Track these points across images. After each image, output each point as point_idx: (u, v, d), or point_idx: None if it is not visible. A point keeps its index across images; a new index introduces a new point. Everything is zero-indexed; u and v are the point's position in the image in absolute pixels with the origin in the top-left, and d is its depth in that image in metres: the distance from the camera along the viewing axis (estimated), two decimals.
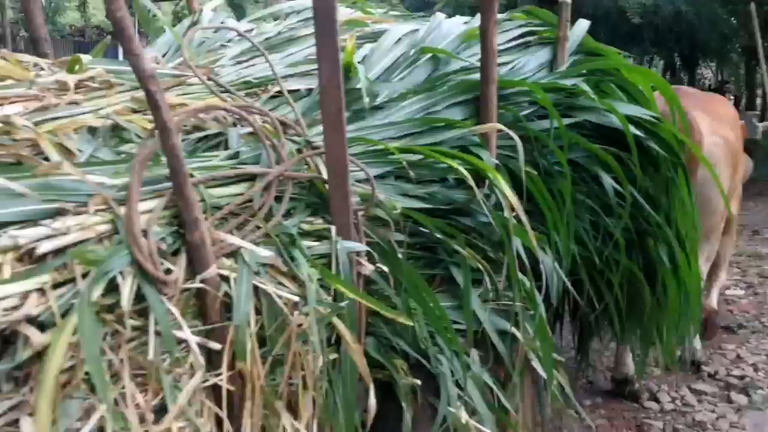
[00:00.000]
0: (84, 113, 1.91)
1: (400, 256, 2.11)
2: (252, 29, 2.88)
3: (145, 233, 1.55)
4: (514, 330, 2.39)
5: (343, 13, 3.06)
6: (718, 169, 3.73)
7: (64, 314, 1.37)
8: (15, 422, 1.35)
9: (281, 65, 2.41)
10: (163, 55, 2.50)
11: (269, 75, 2.31)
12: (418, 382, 2.16)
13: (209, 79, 2.22)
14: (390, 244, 2.12)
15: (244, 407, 1.70)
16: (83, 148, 1.73)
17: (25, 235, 1.38)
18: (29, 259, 1.39)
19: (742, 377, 4.52)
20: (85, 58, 2.17)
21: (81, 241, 1.45)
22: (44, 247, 1.38)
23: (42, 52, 2.63)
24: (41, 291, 1.36)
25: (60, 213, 1.48)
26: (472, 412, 2.20)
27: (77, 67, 2.21)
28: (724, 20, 12.10)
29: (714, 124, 4.03)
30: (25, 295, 1.33)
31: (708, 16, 11.60)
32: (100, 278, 1.42)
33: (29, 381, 1.36)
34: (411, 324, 2.00)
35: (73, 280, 1.42)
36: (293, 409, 1.80)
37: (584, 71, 2.88)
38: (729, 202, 3.93)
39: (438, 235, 2.23)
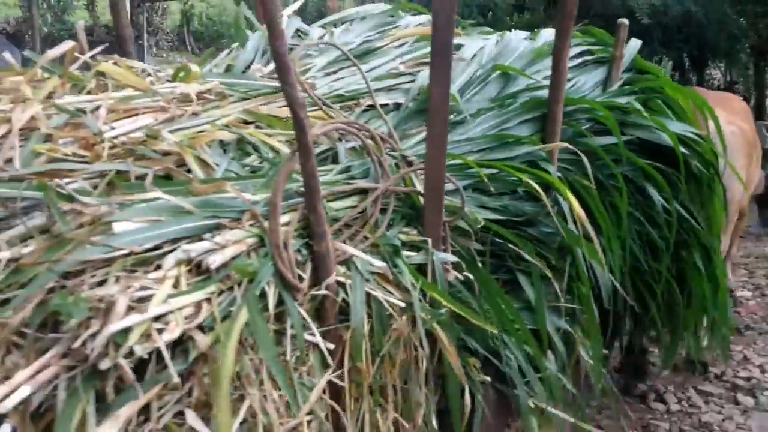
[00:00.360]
0: (203, 124, 2.07)
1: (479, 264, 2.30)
2: (324, 35, 3.03)
3: (285, 245, 1.72)
4: (570, 329, 2.59)
5: (410, 21, 3.20)
6: (734, 157, 3.91)
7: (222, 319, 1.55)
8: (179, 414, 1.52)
9: (368, 78, 2.56)
10: (251, 63, 2.64)
11: (359, 88, 2.47)
12: (488, 379, 2.35)
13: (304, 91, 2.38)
14: (470, 252, 2.30)
15: (355, 404, 1.88)
16: (218, 162, 1.89)
17: (195, 249, 1.55)
18: (196, 270, 1.57)
19: (748, 379, 4.58)
20: (193, 67, 2.32)
21: (237, 255, 1.63)
22: (214, 262, 1.55)
23: (127, 51, 2.77)
24: (208, 300, 1.54)
25: (218, 227, 1.64)
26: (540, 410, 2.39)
27: (181, 74, 2.37)
28: (733, 20, 12.21)
29: (729, 116, 4.21)
30: (198, 304, 1.51)
31: (717, 17, 11.70)
32: (255, 287, 1.60)
33: (191, 378, 1.53)
34: (495, 331, 2.18)
35: (230, 288, 1.59)
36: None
37: (635, 89, 3.06)
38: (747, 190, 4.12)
39: (511, 245, 2.41)
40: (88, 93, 2.10)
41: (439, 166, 2.08)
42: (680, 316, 3.29)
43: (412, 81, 2.58)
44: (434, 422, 2.11)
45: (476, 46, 2.85)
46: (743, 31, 12.62)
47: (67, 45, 2.08)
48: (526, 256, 2.43)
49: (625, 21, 3.00)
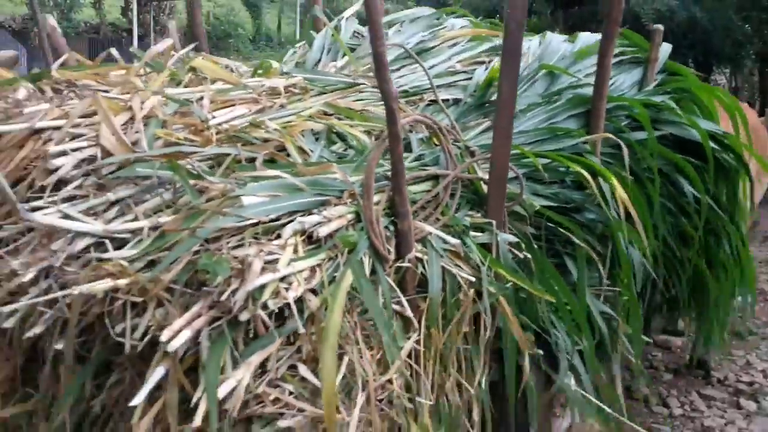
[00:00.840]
0: (290, 114, 2.29)
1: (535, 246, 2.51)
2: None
3: (377, 221, 1.93)
4: (612, 312, 2.79)
5: (455, 23, 3.42)
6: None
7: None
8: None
9: (426, 76, 2.78)
10: (319, 60, 2.86)
11: (421, 85, 2.68)
12: (541, 352, 2.56)
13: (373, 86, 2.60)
14: (526, 235, 2.51)
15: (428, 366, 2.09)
16: (312, 149, 2.11)
17: (307, 221, 1.77)
18: (308, 240, 1.78)
19: (751, 383, 4.56)
20: (274, 63, 2.54)
21: (339, 228, 1.84)
22: (323, 232, 1.77)
23: (201, 47, 2.99)
24: (319, 265, 1.75)
25: (323, 204, 1.86)
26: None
27: (261, 70, 2.58)
28: (738, 27, 12.39)
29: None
30: (312, 269, 1.72)
31: (722, 23, 11.89)
32: (356, 256, 1.81)
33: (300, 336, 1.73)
34: (554, 300, 2.39)
35: (334, 257, 1.81)
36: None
37: (668, 89, 3.28)
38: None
39: (562, 230, 2.62)
40: (185, 86, 2.32)
41: (504, 155, 2.29)
42: (709, 297, 3.49)
43: (468, 78, 2.79)
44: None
45: (523, 47, 3.06)
46: (748, 38, 12.80)
47: (167, 43, 2.29)
48: (576, 240, 2.64)
49: (660, 27, 3.22)
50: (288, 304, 1.60)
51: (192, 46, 2.48)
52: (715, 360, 4.77)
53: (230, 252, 1.59)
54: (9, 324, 1.57)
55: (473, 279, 2.15)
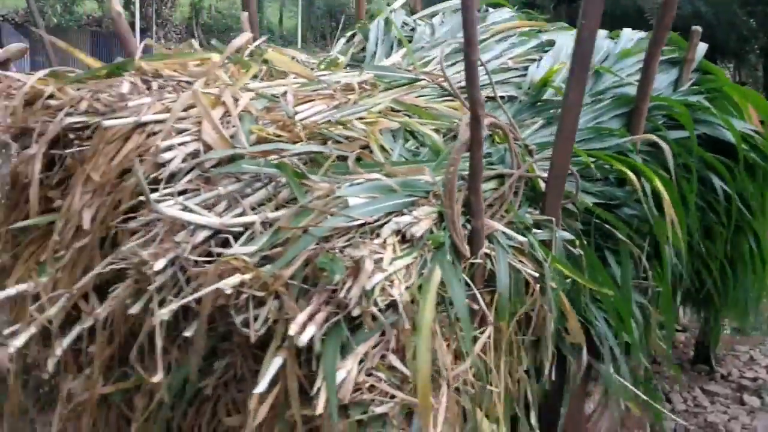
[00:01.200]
0: (362, 111, 2.38)
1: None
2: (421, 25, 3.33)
3: (457, 221, 2.05)
4: (648, 304, 2.94)
5: (497, 16, 3.51)
6: None
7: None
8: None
9: (480, 72, 2.87)
10: (374, 52, 2.94)
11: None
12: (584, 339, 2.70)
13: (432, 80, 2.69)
14: (576, 231, 2.64)
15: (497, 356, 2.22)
16: (391, 147, 2.21)
17: (402, 221, 1.88)
18: (402, 239, 1.89)
19: (755, 379, 4.57)
20: (341, 58, 2.62)
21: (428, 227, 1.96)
22: (416, 231, 1.88)
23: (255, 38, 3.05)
24: (411, 264, 1.86)
25: (413, 204, 1.97)
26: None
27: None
28: (743, 21, 12.41)
29: None
30: (408, 267, 1.84)
31: (726, 17, 11.88)
32: (443, 254, 1.93)
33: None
34: (611, 294, 2.52)
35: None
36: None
37: (702, 89, 3.40)
38: None
39: (607, 226, 2.75)
40: (261, 79, 2.40)
41: (565, 156, 2.41)
42: (733, 291, 3.67)
43: (521, 75, 2.89)
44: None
45: (568, 44, 3.16)
46: (753, 32, 12.78)
47: (245, 37, 2.37)
48: (620, 236, 2.77)
49: (699, 28, 3.33)
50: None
51: (264, 38, 2.55)
52: (718, 355, 4.85)
53: (343, 251, 1.70)
54: (134, 310, 1.67)
55: (536, 275, 2.28)
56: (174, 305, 1.62)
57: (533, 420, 2.29)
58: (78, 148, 2.01)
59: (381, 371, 1.81)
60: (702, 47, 3.55)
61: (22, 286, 1.90)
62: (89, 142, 2.05)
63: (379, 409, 1.76)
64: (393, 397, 1.79)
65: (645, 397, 2.73)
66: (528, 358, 2.42)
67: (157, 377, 1.75)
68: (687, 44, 3.38)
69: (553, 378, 2.44)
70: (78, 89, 2.16)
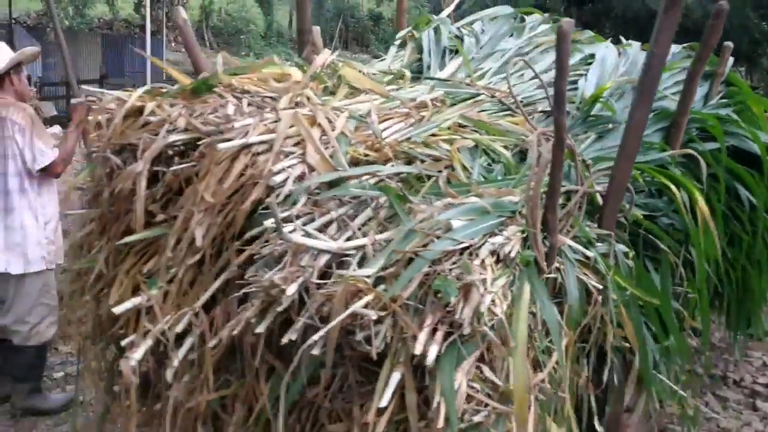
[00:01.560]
0: (433, 127, 2.49)
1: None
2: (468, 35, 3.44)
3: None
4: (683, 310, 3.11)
5: (535, 24, 3.62)
6: None
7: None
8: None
9: (532, 86, 3.00)
10: (429, 64, 3.05)
11: (533, 95, 2.90)
12: (628, 345, 2.86)
13: (492, 96, 2.81)
14: (626, 242, 2.79)
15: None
16: (471, 165, 2.33)
17: (496, 242, 2.01)
18: (497, 259, 2.02)
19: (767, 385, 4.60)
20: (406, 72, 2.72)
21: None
22: (509, 252, 2.01)
23: (305, 40, 3.15)
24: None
25: (503, 224, 2.10)
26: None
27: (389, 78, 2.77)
28: (755, 25, 12.46)
29: None
30: (503, 285, 1.97)
31: (739, 21, 11.94)
32: (531, 271, 2.06)
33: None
34: (658, 303, 2.67)
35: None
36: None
37: (730, 102, 3.57)
38: None
39: (651, 236, 2.91)
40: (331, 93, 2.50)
41: (626, 171, 2.55)
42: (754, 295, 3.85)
43: (572, 89, 3.02)
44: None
45: (608, 57, 3.30)
46: (765, 36, 12.84)
47: (326, 55, 2.46)
48: (662, 246, 2.93)
49: (730, 44, 3.48)
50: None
51: (337, 52, 2.64)
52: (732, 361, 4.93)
53: (453, 274, 1.82)
54: (260, 329, 1.78)
55: (600, 287, 2.42)
56: (298, 324, 1.74)
57: (597, 426, 2.43)
58: (181, 166, 2.10)
59: (476, 382, 1.95)
60: (730, 61, 3.71)
61: (136, 299, 1.99)
62: (187, 158, 2.14)
63: (477, 418, 1.90)
64: (486, 405, 1.93)
65: (689, 398, 2.90)
66: (588, 366, 2.58)
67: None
68: (717, 59, 3.54)
69: (607, 382, 2.60)
70: (172, 105, 2.25)
